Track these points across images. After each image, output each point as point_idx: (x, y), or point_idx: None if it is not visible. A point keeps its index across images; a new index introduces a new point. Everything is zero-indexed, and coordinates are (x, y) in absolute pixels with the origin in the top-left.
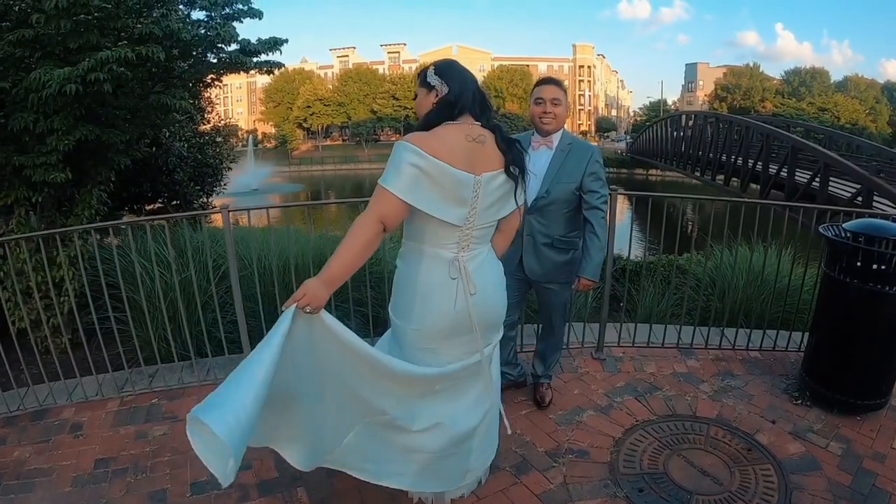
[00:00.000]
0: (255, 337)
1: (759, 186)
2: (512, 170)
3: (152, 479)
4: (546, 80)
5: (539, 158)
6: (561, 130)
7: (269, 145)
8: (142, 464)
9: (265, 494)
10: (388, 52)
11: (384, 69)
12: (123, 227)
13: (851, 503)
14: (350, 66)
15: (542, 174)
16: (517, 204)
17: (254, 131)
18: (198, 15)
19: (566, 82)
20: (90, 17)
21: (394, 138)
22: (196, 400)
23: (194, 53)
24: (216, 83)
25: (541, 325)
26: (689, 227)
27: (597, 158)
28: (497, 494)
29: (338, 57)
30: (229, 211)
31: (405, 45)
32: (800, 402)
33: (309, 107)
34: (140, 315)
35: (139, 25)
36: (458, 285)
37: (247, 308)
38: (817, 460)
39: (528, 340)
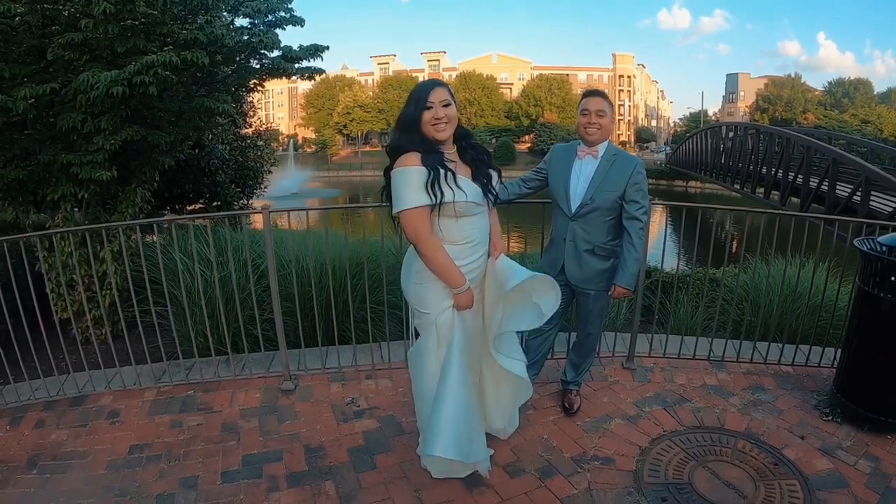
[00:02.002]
0: (291, 335)
1: (799, 200)
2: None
3: (185, 466)
4: (592, 93)
5: (584, 167)
6: (606, 141)
7: (309, 150)
8: (175, 451)
9: (294, 486)
10: (429, 60)
11: (424, 77)
12: (166, 224)
13: None
14: (390, 74)
15: (587, 182)
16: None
17: (294, 136)
18: (241, 22)
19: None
20: (136, 23)
21: None
22: (230, 393)
23: (238, 59)
24: (259, 88)
25: (575, 333)
26: (729, 240)
27: (640, 170)
28: (521, 497)
29: (378, 64)
30: (270, 211)
31: (445, 53)
32: (830, 418)
33: (349, 113)
34: (180, 310)
35: (184, 31)
36: None
37: (284, 307)
38: (845, 478)
39: (559, 348)
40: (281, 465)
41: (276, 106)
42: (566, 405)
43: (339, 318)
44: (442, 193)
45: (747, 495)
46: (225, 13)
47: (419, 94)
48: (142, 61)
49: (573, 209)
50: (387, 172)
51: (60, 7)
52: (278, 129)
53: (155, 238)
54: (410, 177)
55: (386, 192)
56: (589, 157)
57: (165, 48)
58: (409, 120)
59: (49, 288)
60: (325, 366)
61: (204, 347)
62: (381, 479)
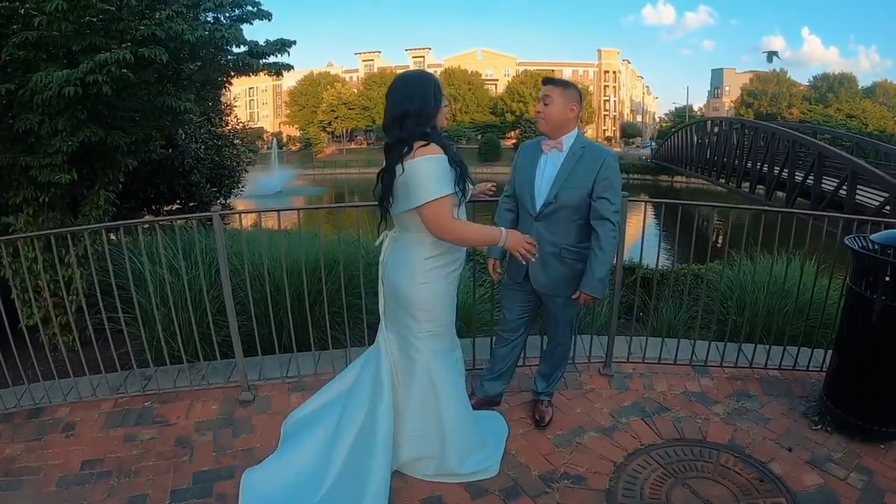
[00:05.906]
0: (248, 342)
1: (784, 194)
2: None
3: (134, 484)
4: (543, 80)
5: (549, 162)
6: (574, 132)
7: (293, 148)
8: (126, 467)
9: None
10: (413, 57)
11: None
12: (148, 226)
13: None
14: (375, 71)
15: (551, 178)
16: (407, 206)
17: (279, 134)
18: (206, 17)
19: (591, 87)
20: (93, 20)
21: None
22: (187, 405)
23: (202, 55)
24: (227, 85)
25: (545, 340)
26: (714, 236)
27: (611, 164)
28: None
29: (363, 61)
30: (221, 214)
31: (430, 49)
32: (819, 427)
33: (333, 110)
34: (146, 316)
35: (142, 27)
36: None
37: (248, 312)
38: (835, 494)
39: (532, 354)
40: (231, 483)
41: (261, 104)
42: (537, 418)
43: (301, 323)
44: (464, 189)
45: None
46: (183, 8)
47: (436, 87)
48: (93, 59)
49: (537, 208)
50: (391, 167)
51: (16, 5)
52: (262, 127)
53: (115, 240)
54: (441, 165)
55: (392, 187)
56: (554, 152)
57: (123, 45)
58: (425, 112)
59: (14, 294)
60: (284, 375)
61: (163, 356)
62: None
